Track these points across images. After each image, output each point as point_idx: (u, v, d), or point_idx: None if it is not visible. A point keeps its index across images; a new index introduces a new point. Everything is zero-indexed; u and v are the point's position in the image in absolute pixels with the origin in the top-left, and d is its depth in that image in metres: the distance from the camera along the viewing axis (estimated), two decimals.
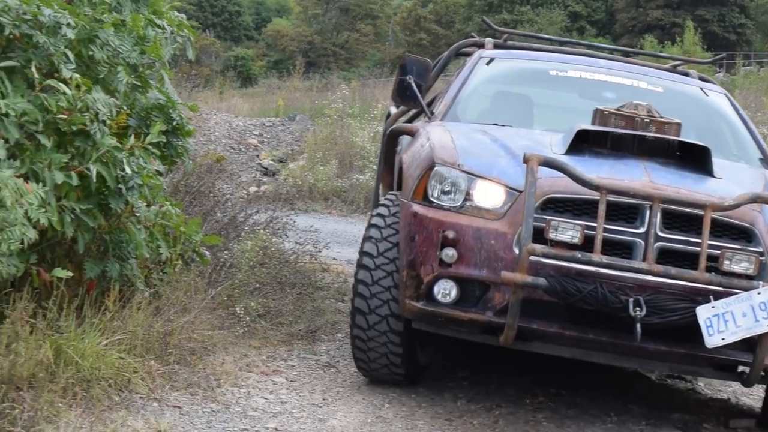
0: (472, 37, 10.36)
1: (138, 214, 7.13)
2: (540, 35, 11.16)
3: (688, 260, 6.10)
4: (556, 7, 77.64)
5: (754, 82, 39.98)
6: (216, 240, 8.67)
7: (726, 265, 6.03)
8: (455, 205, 6.52)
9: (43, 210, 6.16)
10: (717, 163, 6.95)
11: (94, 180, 6.67)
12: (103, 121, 6.72)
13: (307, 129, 26.69)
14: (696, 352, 6.24)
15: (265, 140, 24.91)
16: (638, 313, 5.97)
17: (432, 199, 6.57)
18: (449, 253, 6.34)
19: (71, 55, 6.74)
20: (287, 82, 43.33)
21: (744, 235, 6.27)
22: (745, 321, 5.81)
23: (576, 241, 6.06)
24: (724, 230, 6.24)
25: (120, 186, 6.86)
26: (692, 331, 6.05)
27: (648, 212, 6.11)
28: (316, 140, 24.37)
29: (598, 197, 6.05)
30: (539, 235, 6.15)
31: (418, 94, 8.19)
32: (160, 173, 7.66)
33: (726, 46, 59.04)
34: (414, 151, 7.30)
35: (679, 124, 7.14)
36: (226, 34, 71.43)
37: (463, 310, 6.39)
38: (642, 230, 6.15)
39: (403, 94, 8.25)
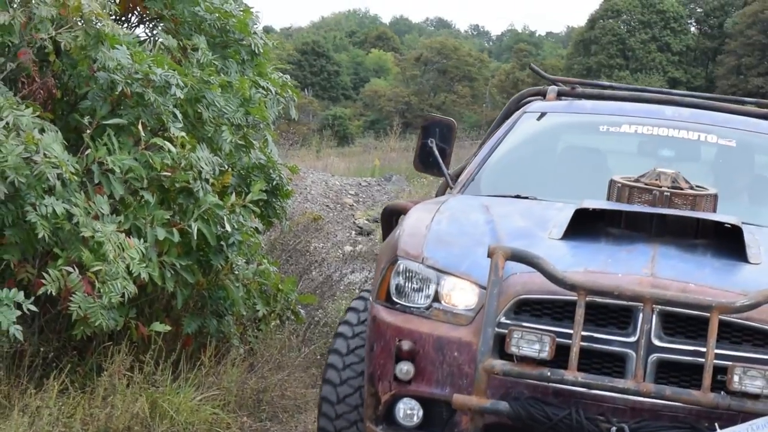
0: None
1: (237, 272, 7.28)
2: (603, 83, 9.51)
3: (698, 376, 4.84)
4: (656, 72, 76.96)
5: None
6: (312, 299, 8.76)
7: (736, 382, 4.69)
8: (420, 307, 5.42)
9: (144, 265, 6.32)
10: None
11: (195, 237, 6.78)
12: (206, 180, 6.85)
13: (402, 189, 26.58)
14: None
15: (361, 200, 25.08)
16: None
17: (395, 300, 5.48)
18: (404, 369, 5.25)
19: (179, 114, 6.88)
20: (384, 142, 43.40)
21: (765, 338, 4.96)
22: None
23: (544, 355, 4.85)
24: (743, 336, 4.98)
25: (221, 243, 7.00)
26: None
27: (640, 316, 4.93)
28: None
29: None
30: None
31: (440, 160, 7.21)
32: (258, 231, 7.80)
33: None
34: (389, 238, 6.28)
35: (713, 197, 5.92)
36: (324, 93, 72.10)
37: None
38: (634, 339, 4.95)
39: (426, 161, 7.32)
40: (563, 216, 5.73)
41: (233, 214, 7.14)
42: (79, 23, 6.59)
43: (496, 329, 4.98)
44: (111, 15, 6.99)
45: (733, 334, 4.96)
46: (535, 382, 4.97)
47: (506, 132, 7.59)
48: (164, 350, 6.85)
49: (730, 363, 4.76)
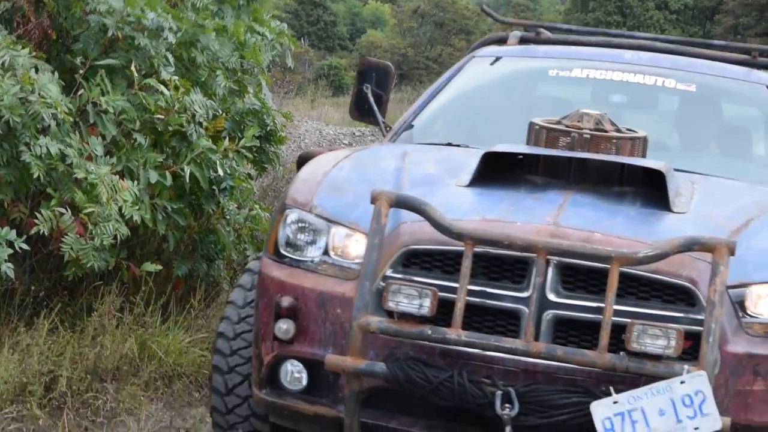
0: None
1: (228, 217, 7.37)
2: (569, 27, 8.85)
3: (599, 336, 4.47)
4: (653, 30, 76.57)
5: None
6: None
7: (635, 342, 4.28)
8: (309, 261, 5.06)
9: (137, 207, 6.36)
10: (711, 185, 5.67)
11: (188, 180, 6.81)
12: (200, 123, 6.92)
13: None
14: None
15: None
16: (508, 411, 4.38)
17: (283, 253, 5.15)
18: (283, 327, 4.90)
19: (171, 58, 6.93)
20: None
21: (681, 297, 4.53)
22: (663, 422, 4.22)
23: (425, 312, 4.45)
24: (651, 291, 4.55)
25: (213, 187, 7.03)
26: None
27: (535, 267, 4.50)
28: None
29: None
30: None
31: (375, 108, 6.75)
32: (251, 177, 7.85)
33: None
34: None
35: (641, 140, 5.49)
36: (320, 43, 72.06)
37: (311, 402, 4.94)
38: (528, 294, 4.49)
39: (361, 108, 6.85)
40: (474, 162, 5.27)
41: (226, 159, 7.17)
42: None
43: (382, 283, 4.63)
44: None
45: (639, 288, 4.56)
46: (416, 341, 4.61)
47: (450, 77, 7.23)
48: (154, 293, 6.92)
49: (629, 320, 4.36)
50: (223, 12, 7.74)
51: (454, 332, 4.37)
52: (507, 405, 4.35)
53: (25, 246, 6.10)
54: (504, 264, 4.61)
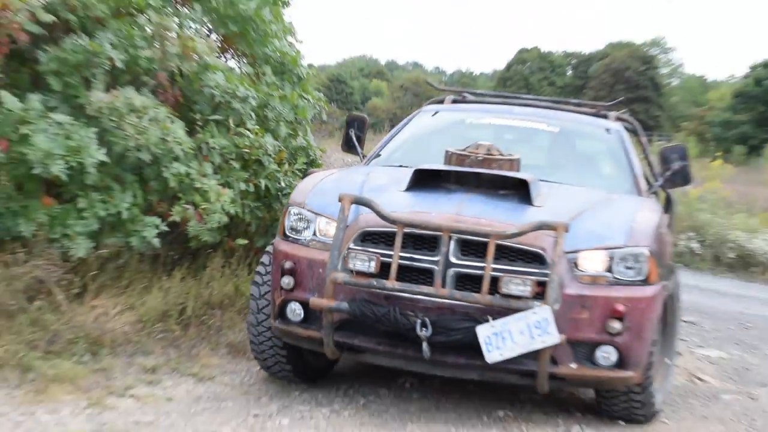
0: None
1: None
2: (484, 92, 9.06)
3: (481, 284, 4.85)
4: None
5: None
6: None
7: (506, 287, 4.74)
8: (302, 238, 5.41)
9: (233, 205, 6.71)
10: (562, 191, 5.86)
11: (263, 189, 7.19)
12: (270, 155, 7.28)
13: None
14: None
15: None
16: (424, 332, 4.80)
17: (287, 234, 5.49)
18: (286, 281, 5.26)
19: (253, 115, 7.27)
20: (379, 136, 43.43)
21: (536, 259, 4.88)
22: (522, 338, 4.62)
23: (371, 270, 4.94)
24: (520, 255, 4.91)
25: (278, 193, 7.35)
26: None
27: (442, 242, 4.89)
28: None
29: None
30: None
31: (357, 144, 7.02)
32: None
33: (647, 129, 57.57)
34: None
35: (516, 161, 5.81)
36: (342, 105, 71.97)
37: (305, 328, 5.26)
38: (438, 258, 4.89)
39: (349, 144, 7.07)
40: (410, 175, 5.55)
41: (286, 176, 7.46)
42: (195, 57, 6.73)
43: (346, 252, 5.00)
44: (214, 52, 7.12)
45: (509, 254, 4.88)
46: (367, 289, 4.95)
47: (405, 123, 7.40)
48: (243, 256, 7.27)
49: (501, 274, 4.76)
50: (284, 86, 7.97)
51: (390, 283, 4.83)
52: (424, 329, 4.79)
53: (165, 228, 6.40)
54: (423, 239, 4.97)
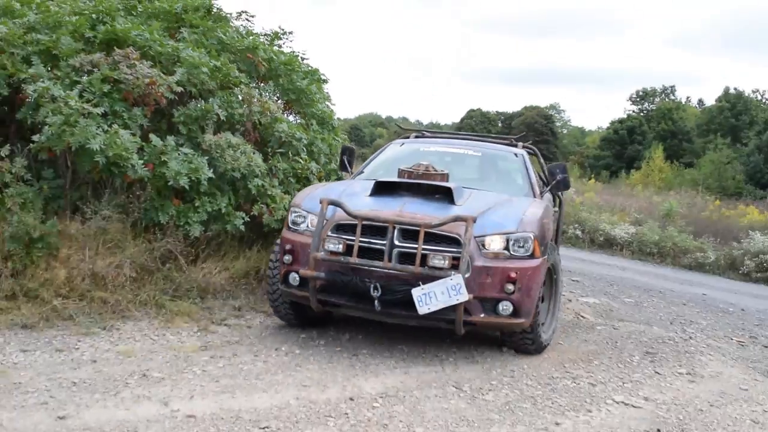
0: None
1: None
2: (438, 131, 8.58)
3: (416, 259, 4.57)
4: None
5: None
6: None
7: (431, 261, 4.52)
8: (300, 229, 5.05)
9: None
10: (478, 195, 5.39)
11: None
12: (314, 174, 7.18)
13: None
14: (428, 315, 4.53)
15: None
16: (376, 293, 4.55)
17: (290, 227, 5.13)
18: (287, 258, 4.95)
19: (305, 149, 7.19)
20: None
21: (454, 241, 4.58)
22: (443, 297, 4.37)
23: (339, 249, 4.68)
24: (442, 239, 4.62)
25: None
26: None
27: (389, 230, 4.62)
28: None
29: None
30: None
31: (347, 166, 6.44)
32: None
33: (547, 159, 57.29)
34: None
35: (446, 174, 5.48)
36: (358, 144, 71.25)
37: (300, 290, 4.90)
38: (386, 242, 4.61)
39: (342, 166, 6.49)
40: (372, 186, 5.24)
41: None
42: (269, 114, 6.70)
43: (325, 238, 4.72)
44: (280, 111, 7.16)
45: (435, 238, 4.61)
46: (338, 263, 4.65)
47: (380, 151, 6.95)
48: None
49: (429, 252, 4.54)
50: (323, 131, 7.88)
51: (353, 259, 4.58)
52: (375, 291, 4.55)
53: (248, 219, 6.27)
54: (377, 229, 4.68)
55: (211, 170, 5.94)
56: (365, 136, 79.61)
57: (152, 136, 5.70)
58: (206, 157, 5.98)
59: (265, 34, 8.21)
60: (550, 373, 4.87)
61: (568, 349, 5.64)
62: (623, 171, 42.10)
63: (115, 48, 6.04)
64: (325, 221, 4.80)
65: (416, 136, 7.61)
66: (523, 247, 4.80)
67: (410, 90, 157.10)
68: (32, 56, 5.82)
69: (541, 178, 7.01)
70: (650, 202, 20.35)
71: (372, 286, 4.59)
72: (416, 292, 4.46)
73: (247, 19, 8.11)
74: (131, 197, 5.67)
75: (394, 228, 4.66)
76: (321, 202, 4.81)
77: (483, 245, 4.73)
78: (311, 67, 8.13)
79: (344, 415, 3.76)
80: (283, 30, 8.33)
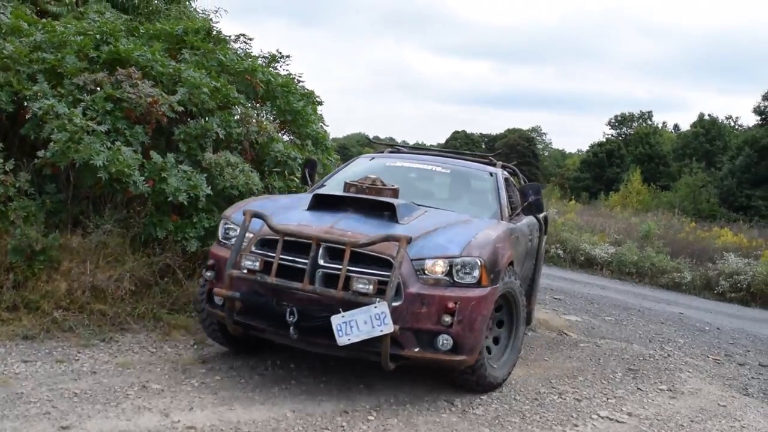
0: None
1: None
2: (411, 147, 7.90)
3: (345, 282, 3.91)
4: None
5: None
6: None
7: (355, 285, 3.87)
8: (229, 243, 4.45)
9: None
10: (431, 213, 4.72)
11: None
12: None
13: None
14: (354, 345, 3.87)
15: None
16: (291, 319, 3.92)
17: (221, 240, 4.60)
18: (208, 274, 4.41)
19: (300, 168, 6.75)
20: None
21: (386, 264, 3.94)
22: (366, 327, 3.74)
23: (256, 267, 4.08)
24: (373, 261, 3.99)
25: None
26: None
27: (312, 248, 3.99)
28: None
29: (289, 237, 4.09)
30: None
31: (308, 178, 5.82)
32: None
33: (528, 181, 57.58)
34: None
35: (395, 189, 4.89)
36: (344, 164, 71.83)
37: (221, 311, 4.29)
38: (308, 261, 3.98)
39: (303, 179, 5.89)
40: (311, 198, 4.63)
41: None
42: (265, 133, 6.65)
43: (247, 253, 4.17)
44: (277, 131, 7.11)
45: (364, 259, 3.98)
46: (255, 282, 4.08)
47: (346, 165, 6.33)
48: None
49: (355, 275, 3.90)
50: (317, 151, 7.75)
51: (270, 278, 4.00)
52: (291, 316, 3.93)
53: None
54: (302, 245, 4.07)
55: (210, 187, 5.88)
56: (353, 155, 79.91)
57: (153, 153, 5.71)
58: (205, 175, 5.91)
59: (264, 57, 8.24)
60: (537, 388, 4.91)
61: (553, 365, 5.69)
62: (602, 193, 42.49)
63: (118, 68, 6.07)
64: (247, 235, 4.25)
65: (390, 152, 6.88)
66: (468, 273, 4.14)
67: (397, 111, 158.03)
68: (37, 74, 5.83)
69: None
70: (629, 223, 20.55)
71: (288, 310, 3.96)
72: (336, 320, 3.82)
73: (245, 42, 8.18)
74: (131, 212, 5.66)
75: (318, 245, 4.03)
76: (244, 214, 4.25)
77: (423, 270, 4.06)
78: (307, 90, 8.13)
79: (340, 427, 3.78)
80: (280, 53, 8.37)
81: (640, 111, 63.54)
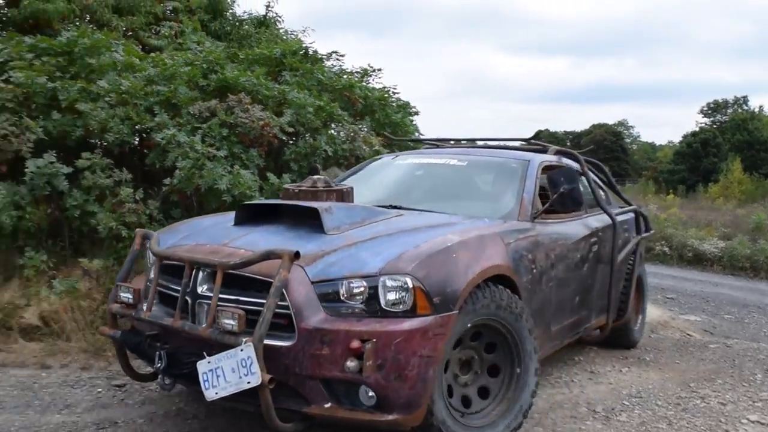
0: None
1: None
2: (419, 138, 7.02)
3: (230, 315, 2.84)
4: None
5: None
6: None
7: (221, 320, 2.84)
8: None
9: None
10: (389, 220, 3.53)
11: None
12: None
13: None
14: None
15: None
16: (159, 365, 3.05)
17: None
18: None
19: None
20: None
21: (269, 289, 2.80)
22: (234, 377, 2.74)
23: (131, 301, 3.31)
24: (253, 285, 2.95)
25: None
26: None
27: (185, 272, 3.09)
28: None
29: (178, 261, 3.19)
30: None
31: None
32: None
33: (619, 177, 55.35)
34: None
35: (347, 190, 3.85)
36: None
37: (120, 346, 3.53)
38: (181, 288, 3.08)
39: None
40: (237, 211, 3.68)
41: None
42: (369, 147, 6.64)
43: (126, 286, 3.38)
44: (380, 143, 7.01)
45: (246, 284, 2.97)
46: (133, 318, 3.34)
47: (362, 166, 5.29)
48: None
49: (227, 306, 2.91)
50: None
51: (144, 313, 3.20)
52: (160, 361, 3.06)
53: None
54: (181, 270, 3.16)
55: None
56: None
57: (269, 174, 5.94)
58: None
59: (356, 72, 8.45)
60: (677, 393, 4.76)
61: (687, 368, 5.52)
62: (700, 184, 40.78)
63: (228, 95, 6.36)
64: (134, 261, 3.53)
65: (428, 147, 5.88)
66: (397, 298, 2.90)
67: (474, 115, 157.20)
68: (154, 106, 6.18)
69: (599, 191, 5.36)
70: (735, 215, 19.69)
71: (158, 354, 3.08)
72: (201, 368, 2.85)
73: (337, 59, 8.43)
74: None
75: (192, 269, 3.10)
76: (135, 236, 3.55)
77: (338, 296, 2.90)
78: (402, 101, 8.31)
79: None
80: (372, 67, 8.60)
81: (735, 96, 60.82)
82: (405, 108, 8.21)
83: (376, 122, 7.76)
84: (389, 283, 2.89)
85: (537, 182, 4.37)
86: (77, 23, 7.93)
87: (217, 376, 2.80)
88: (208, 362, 2.83)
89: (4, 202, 5.14)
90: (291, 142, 6.56)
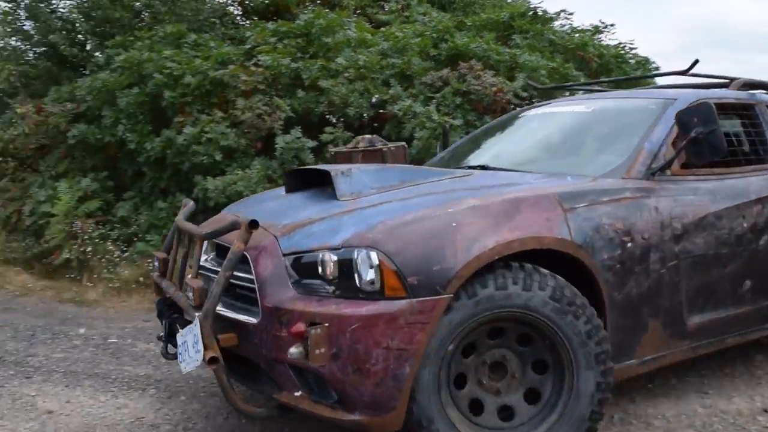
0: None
1: None
2: (565, 85, 5.69)
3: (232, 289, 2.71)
4: None
5: None
6: None
7: (186, 293, 2.75)
8: None
9: None
10: (435, 183, 2.94)
11: None
12: None
13: None
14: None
15: None
16: (162, 334, 3.08)
17: None
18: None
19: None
20: None
21: (243, 262, 2.58)
22: (192, 351, 2.56)
23: (156, 273, 3.30)
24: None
25: None
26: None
27: (185, 243, 3.04)
28: None
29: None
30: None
31: (442, 146, 4.47)
32: None
33: None
34: None
35: (399, 147, 3.55)
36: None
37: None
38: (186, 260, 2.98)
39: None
40: (287, 179, 3.37)
41: None
42: None
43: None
44: None
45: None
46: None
47: (502, 119, 4.52)
48: None
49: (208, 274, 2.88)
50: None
51: (167, 283, 3.12)
52: (161, 332, 3.04)
53: None
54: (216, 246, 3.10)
55: None
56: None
57: None
58: None
59: (587, 30, 8.05)
60: None
61: None
62: None
63: (459, 62, 6.34)
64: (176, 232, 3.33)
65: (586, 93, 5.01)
66: (366, 275, 2.37)
67: (713, 70, 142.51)
68: (390, 79, 6.36)
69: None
70: None
71: (163, 323, 3.12)
72: (179, 340, 2.69)
73: (566, 17, 8.12)
74: None
75: (198, 242, 2.87)
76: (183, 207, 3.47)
77: (313, 270, 2.49)
78: (641, 57, 7.76)
79: (765, 428, 3.38)
80: (603, 23, 8.16)
81: None
82: (644, 64, 7.62)
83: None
84: (345, 257, 2.40)
85: (674, 128, 3.26)
86: (312, 7, 8.41)
87: (186, 350, 2.60)
88: (180, 335, 2.68)
89: (259, 175, 5.61)
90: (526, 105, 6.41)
